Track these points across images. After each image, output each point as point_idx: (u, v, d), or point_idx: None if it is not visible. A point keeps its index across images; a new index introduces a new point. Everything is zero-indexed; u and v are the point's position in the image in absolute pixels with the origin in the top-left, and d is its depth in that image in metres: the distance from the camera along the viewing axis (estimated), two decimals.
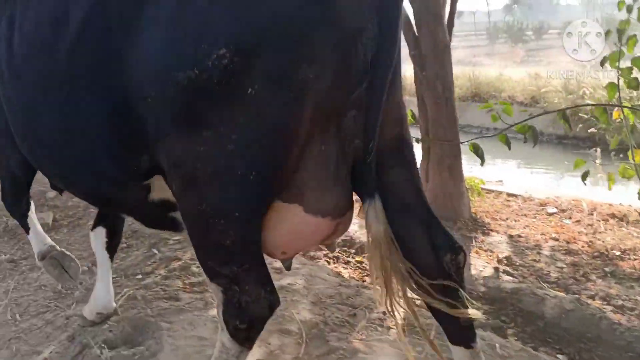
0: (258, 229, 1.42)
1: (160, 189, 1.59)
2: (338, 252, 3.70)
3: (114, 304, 2.51)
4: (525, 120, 3.00)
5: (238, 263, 1.43)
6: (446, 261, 1.48)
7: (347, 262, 3.62)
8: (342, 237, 3.34)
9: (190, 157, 1.32)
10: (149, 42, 1.30)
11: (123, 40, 1.35)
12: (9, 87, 1.73)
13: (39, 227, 2.62)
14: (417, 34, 4.30)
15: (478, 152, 3.04)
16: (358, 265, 3.58)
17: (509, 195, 5.27)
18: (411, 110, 3.70)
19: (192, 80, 1.23)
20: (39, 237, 2.58)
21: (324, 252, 3.64)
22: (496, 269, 3.43)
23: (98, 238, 2.41)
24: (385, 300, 1.45)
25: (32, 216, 2.58)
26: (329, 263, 3.57)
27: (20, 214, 2.55)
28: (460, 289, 1.49)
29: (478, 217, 4.55)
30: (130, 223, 3.19)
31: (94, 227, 2.43)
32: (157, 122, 1.35)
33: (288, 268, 1.87)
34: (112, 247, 2.45)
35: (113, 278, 2.58)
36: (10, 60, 1.68)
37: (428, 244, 1.49)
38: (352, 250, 3.76)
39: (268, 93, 1.24)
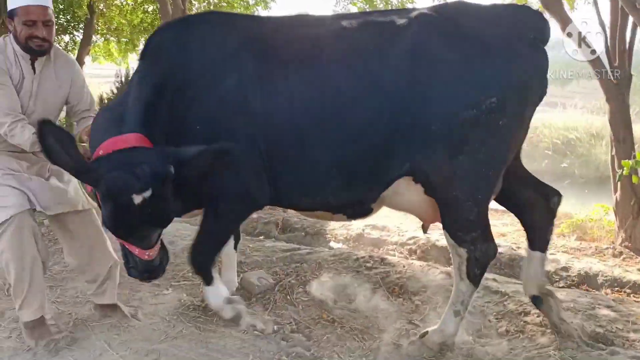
0: (488, 206, 2.32)
1: (394, 188, 2.33)
2: None
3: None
4: None
5: (476, 230, 2.28)
6: (554, 202, 2.55)
7: None
8: None
9: (452, 165, 2.17)
10: (441, 94, 2.16)
11: (414, 91, 2.16)
12: (313, 129, 2.28)
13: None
14: None
15: None
16: None
17: None
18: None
19: (472, 116, 2.13)
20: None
21: None
22: None
23: None
24: None
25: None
26: None
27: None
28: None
29: None
30: None
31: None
32: (433, 143, 2.17)
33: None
34: None
35: None
36: (319, 112, 2.27)
37: (542, 197, 2.55)
38: None
39: (510, 122, 2.18)
